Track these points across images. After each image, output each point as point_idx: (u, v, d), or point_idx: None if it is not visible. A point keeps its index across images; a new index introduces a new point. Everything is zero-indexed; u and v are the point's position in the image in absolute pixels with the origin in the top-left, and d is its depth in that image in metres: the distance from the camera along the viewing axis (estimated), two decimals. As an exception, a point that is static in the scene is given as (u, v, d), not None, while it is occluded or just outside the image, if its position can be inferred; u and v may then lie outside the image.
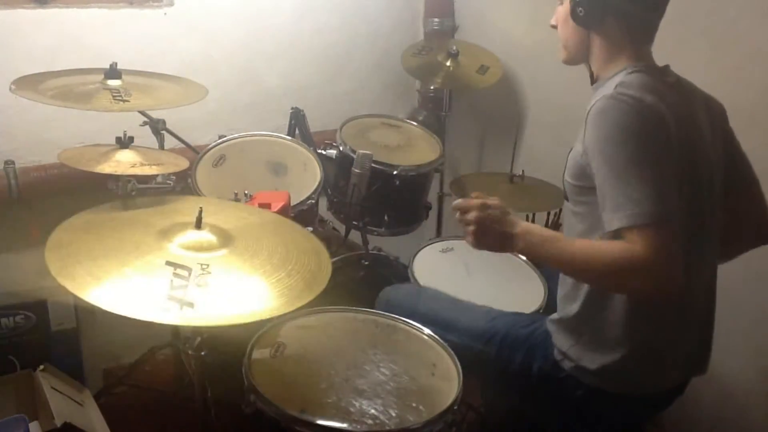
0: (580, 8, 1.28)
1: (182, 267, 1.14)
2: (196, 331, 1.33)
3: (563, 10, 1.35)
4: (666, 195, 1.11)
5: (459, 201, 1.28)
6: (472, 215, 1.25)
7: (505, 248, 1.25)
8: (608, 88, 1.24)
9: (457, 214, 1.28)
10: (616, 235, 1.12)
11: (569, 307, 1.35)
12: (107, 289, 1.09)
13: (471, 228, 1.25)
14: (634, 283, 1.12)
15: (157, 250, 1.19)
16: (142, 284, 1.11)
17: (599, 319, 1.29)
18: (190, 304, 1.07)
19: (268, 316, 1.12)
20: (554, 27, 1.40)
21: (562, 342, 1.35)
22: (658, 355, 1.30)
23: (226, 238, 1.27)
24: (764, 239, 1.43)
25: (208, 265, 1.17)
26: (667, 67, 1.33)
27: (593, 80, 1.35)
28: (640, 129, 1.14)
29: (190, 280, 1.12)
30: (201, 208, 1.30)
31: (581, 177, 1.24)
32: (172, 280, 1.11)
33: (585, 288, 1.31)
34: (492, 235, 1.24)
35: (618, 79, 1.26)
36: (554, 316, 1.40)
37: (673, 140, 1.18)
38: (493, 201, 1.26)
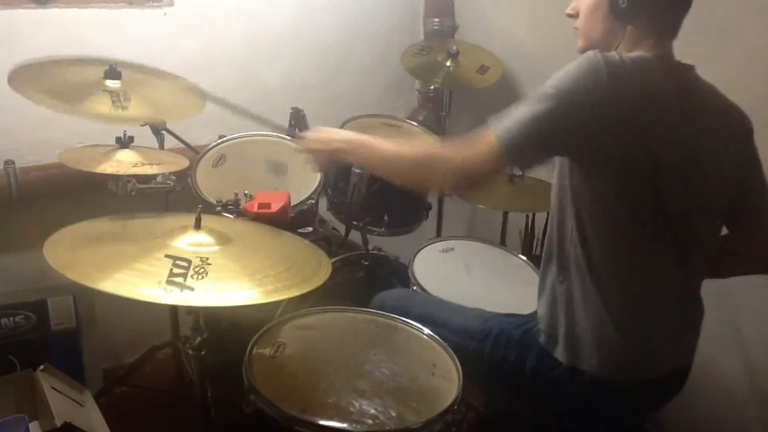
0: (622, 1, 1.26)
1: (182, 259, 1.17)
2: (197, 330, 1.33)
3: (591, 1, 1.32)
4: (532, 139, 1.17)
5: (298, 139, 1.55)
6: (306, 148, 1.49)
7: (340, 159, 1.46)
8: None
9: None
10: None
11: (542, 295, 1.37)
12: (107, 275, 1.10)
13: (310, 156, 1.49)
14: (441, 166, 1.25)
15: (156, 247, 1.20)
16: (143, 271, 1.12)
17: (569, 310, 1.30)
18: (191, 288, 1.10)
19: (265, 301, 1.15)
20: (571, 16, 1.37)
21: (547, 327, 1.35)
22: (633, 339, 1.29)
23: (224, 239, 1.28)
24: (755, 272, 1.42)
25: (207, 258, 1.18)
26: (691, 67, 1.30)
27: None
28: (577, 79, 1.15)
29: (190, 269, 1.14)
30: (200, 207, 1.30)
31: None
32: (171, 269, 1.13)
33: (548, 281, 1.35)
34: (326, 157, 1.48)
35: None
36: (538, 306, 1.41)
37: (624, 114, 1.16)
38: (321, 131, 1.47)
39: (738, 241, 1.40)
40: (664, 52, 1.28)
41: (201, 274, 1.14)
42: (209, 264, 1.17)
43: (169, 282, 1.10)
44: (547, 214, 2.31)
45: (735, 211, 1.35)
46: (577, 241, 1.26)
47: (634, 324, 1.29)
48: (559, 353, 1.33)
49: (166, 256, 1.17)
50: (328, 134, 1.46)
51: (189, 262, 1.16)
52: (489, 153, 1.18)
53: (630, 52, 1.28)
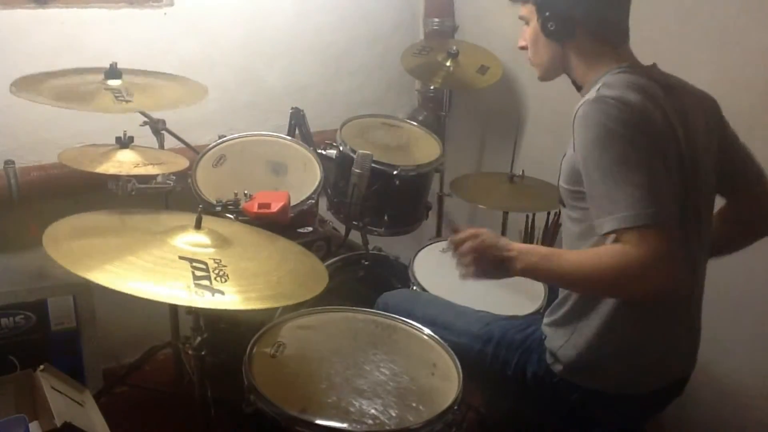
0: (551, 23, 1.29)
1: (198, 261, 1.18)
2: (197, 330, 1.33)
3: (531, 29, 1.36)
4: (657, 194, 1.10)
5: (452, 237, 1.29)
6: (467, 246, 1.25)
7: (505, 272, 1.24)
8: (592, 92, 1.23)
9: (453, 251, 1.28)
10: (608, 238, 1.12)
11: (562, 308, 1.35)
12: (135, 278, 1.10)
13: (469, 258, 1.25)
14: (635, 287, 1.11)
15: (163, 247, 1.21)
16: (165, 275, 1.13)
17: (590, 318, 1.29)
18: (221, 292, 1.11)
19: (294, 302, 1.20)
20: (524, 48, 1.41)
21: (554, 343, 1.35)
22: (648, 354, 1.30)
23: (225, 242, 1.28)
24: (764, 234, 1.44)
25: (220, 260, 1.20)
26: (654, 65, 1.32)
27: (578, 88, 1.36)
28: (624, 129, 1.13)
29: (211, 272, 1.15)
30: (201, 207, 1.30)
31: (575, 182, 1.23)
32: (193, 272, 1.14)
33: (563, 299, 1.34)
34: (490, 261, 1.24)
35: (602, 81, 1.25)
36: (547, 318, 1.40)
37: (661, 136, 1.18)
38: (482, 229, 1.27)
39: (731, 211, 1.42)
40: (629, 60, 1.29)
41: (222, 276, 1.15)
42: (224, 266, 1.18)
43: (197, 285, 1.11)
44: (548, 214, 2.33)
45: (724, 184, 1.36)
46: None
47: (646, 342, 1.29)
48: (563, 372, 1.33)
49: (181, 258, 1.17)
50: (496, 248, 1.23)
51: (206, 264, 1.17)
52: (655, 243, 1.06)
53: (589, 64, 1.30)
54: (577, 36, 1.29)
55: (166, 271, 1.13)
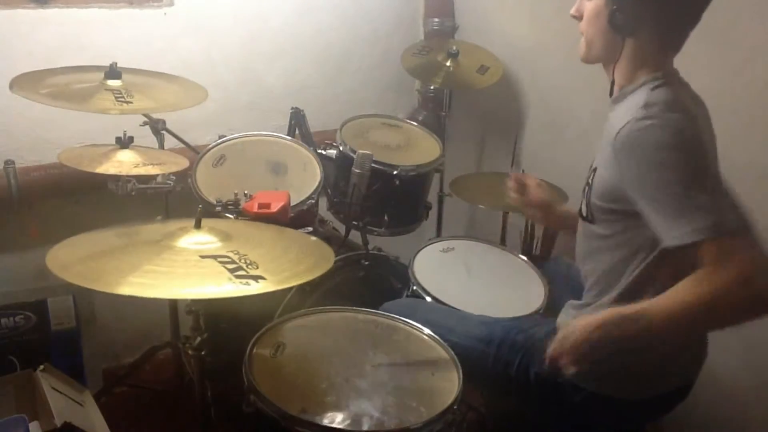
0: (620, 14, 1.22)
1: (221, 256, 1.16)
2: (196, 330, 1.33)
3: (593, 6, 1.28)
4: (724, 205, 1.08)
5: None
6: (564, 350, 1.18)
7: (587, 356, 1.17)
8: (632, 109, 1.18)
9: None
10: (681, 251, 1.07)
11: (576, 312, 1.35)
12: (174, 284, 1.10)
13: (571, 358, 1.17)
14: (737, 304, 1.03)
15: (178, 251, 1.20)
16: (202, 276, 1.12)
17: None
18: (263, 277, 1.11)
19: (324, 270, 1.21)
20: (575, 17, 1.34)
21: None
22: (650, 363, 1.29)
23: (227, 236, 1.28)
24: None
25: (238, 250, 1.19)
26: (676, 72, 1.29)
27: (612, 90, 1.31)
28: (680, 146, 1.10)
29: (240, 262, 1.14)
30: (200, 207, 1.30)
31: (614, 200, 1.21)
32: (225, 266, 1.13)
33: (594, 294, 1.32)
34: (582, 353, 1.16)
35: (641, 97, 1.21)
36: (561, 319, 1.40)
37: (706, 151, 1.16)
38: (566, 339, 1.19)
39: None
40: (667, 68, 1.26)
41: (251, 264, 1.14)
42: (245, 255, 1.17)
43: (237, 276, 1.10)
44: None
45: None
46: (637, 274, 1.24)
47: (647, 352, 1.27)
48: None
49: (203, 257, 1.16)
50: (580, 332, 1.15)
51: (229, 257, 1.16)
52: (743, 249, 1.03)
53: (634, 67, 1.26)
54: (640, 36, 1.23)
55: (199, 272, 1.12)
